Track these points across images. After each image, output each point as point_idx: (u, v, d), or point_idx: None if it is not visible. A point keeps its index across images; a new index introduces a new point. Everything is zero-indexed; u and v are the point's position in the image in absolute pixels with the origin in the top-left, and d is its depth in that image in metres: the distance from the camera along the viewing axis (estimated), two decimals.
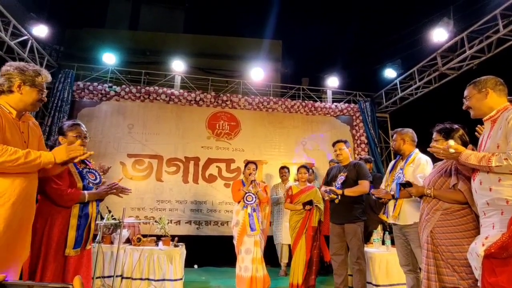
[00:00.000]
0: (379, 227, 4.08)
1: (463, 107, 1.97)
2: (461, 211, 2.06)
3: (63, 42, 7.84)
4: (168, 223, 4.38)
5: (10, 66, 1.73)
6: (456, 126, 2.36)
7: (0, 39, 4.77)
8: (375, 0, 8.62)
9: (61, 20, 7.33)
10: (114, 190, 2.50)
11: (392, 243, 3.42)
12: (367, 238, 3.99)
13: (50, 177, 2.03)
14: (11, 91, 1.69)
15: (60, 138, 2.28)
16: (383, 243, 3.92)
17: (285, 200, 4.39)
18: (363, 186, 3.27)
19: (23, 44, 5.27)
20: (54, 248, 2.02)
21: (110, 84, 6.19)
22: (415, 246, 2.61)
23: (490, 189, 1.66)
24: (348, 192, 3.24)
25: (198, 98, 6.40)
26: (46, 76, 1.82)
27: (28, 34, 5.28)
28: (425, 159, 2.75)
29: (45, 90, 1.83)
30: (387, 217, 2.87)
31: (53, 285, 0.52)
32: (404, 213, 2.68)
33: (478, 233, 1.95)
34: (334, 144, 3.57)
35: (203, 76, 7.09)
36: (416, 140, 2.91)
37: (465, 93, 1.96)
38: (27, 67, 1.75)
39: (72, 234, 2.10)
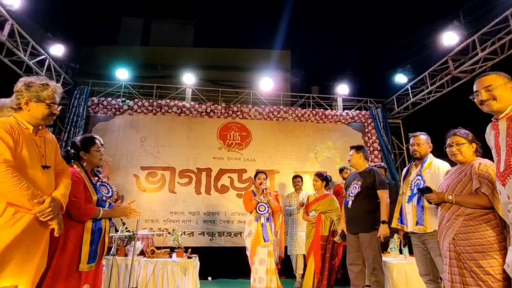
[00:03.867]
0: (395, 236, 3.97)
1: (483, 97, 1.76)
2: (485, 216, 1.97)
3: (79, 60, 8.13)
4: (182, 234, 4.39)
5: (20, 82, 1.77)
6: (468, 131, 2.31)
7: (19, 59, 4.98)
8: (383, 6, 8.62)
9: (76, 39, 7.62)
10: (128, 214, 2.53)
11: (410, 252, 3.32)
12: (384, 247, 3.89)
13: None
14: (20, 108, 1.75)
15: (82, 153, 2.33)
16: (401, 252, 3.81)
17: (304, 210, 4.38)
18: (385, 199, 3.14)
19: (41, 63, 5.48)
20: (67, 263, 2.01)
21: (123, 99, 6.34)
22: (435, 255, 2.51)
23: None
24: (384, 216, 3.07)
25: (209, 110, 6.48)
26: (54, 88, 1.81)
27: (45, 54, 5.50)
28: (443, 165, 2.68)
29: (55, 103, 1.82)
30: (405, 226, 2.79)
31: None
32: (425, 221, 2.59)
33: (504, 239, 1.87)
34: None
35: (214, 88, 7.19)
36: None
37: (490, 81, 1.76)
38: (34, 83, 1.77)
39: (86, 249, 2.10)
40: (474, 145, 2.24)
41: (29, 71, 5.23)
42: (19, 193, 1.57)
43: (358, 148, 3.43)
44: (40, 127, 1.83)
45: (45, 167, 1.78)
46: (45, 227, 1.72)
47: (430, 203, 2.34)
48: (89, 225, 2.16)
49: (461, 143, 2.24)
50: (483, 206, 1.98)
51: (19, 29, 4.79)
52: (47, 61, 5.60)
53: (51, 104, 1.80)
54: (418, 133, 2.87)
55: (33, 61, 5.23)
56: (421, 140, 2.80)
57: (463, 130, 2.30)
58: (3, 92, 2.07)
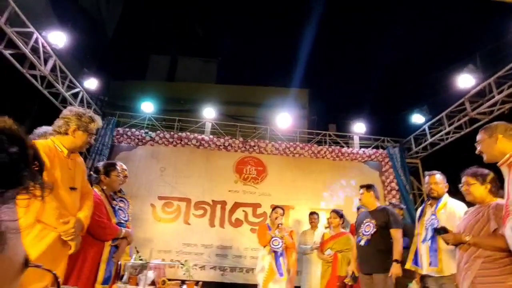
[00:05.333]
0: (414, 281, 3.77)
1: (476, 152, 2.00)
2: (505, 259, 1.91)
3: (108, 93, 8.68)
4: (193, 266, 4.36)
5: (70, 111, 1.99)
6: (487, 171, 2.30)
7: (57, 91, 5.44)
8: (400, 47, 8.89)
9: (108, 73, 8.22)
10: None
11: None
12: None
13: (92, 211, 2.20)
14: (66, 134, 1.94)
15: (103, 177, 2.50)
16: None
17: (319, 248, 4.28)
18: (398, 238, 3.08)
19: (75, 95, 5.94)
20: (83, 282, 2.08)
21: (146, 130, 6.65)
22: None
23: None
24: (397, 256, 2.99)
25: (226, 144, 6.66)
26: (98, 123, 2.08)
27: (80, 87, 5.97)
28: (459, 205, 2.64)
29: (94, 135, 2.07)
30: (420, 268, 2.70)
31: None
32: (440, 262, 2.52)
33: None
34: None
35: (232, 122, 7.43)
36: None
37: (477, 138, 2.01)
38: (84, 113, 2.00)
39: (103, 267, 2.19)
40: (488, 185, 2.21)
41: (64, 102, 5.66)
42: (48, 212, 1.70)
43: (368, 187, 3.44)
44: (73, 151, 2.01)
45: (72, 188, 1.93)
46: (66, 246, 1.82)
47: (447, 243, 2.29)
48: (107, 247, 2.25)
49: (471, 184, 2.25)
50: (501, 248, 1.92)
51: (60, 65, 5.28)
52: (81, 93, 6.06)
53: (92, 135, 2.03)
54: (434, 171, 2.87)
55: (68, 93, 5.68)
56: (438, 179, 2.79)
57: (475, 170, 2.29)
58: (40, 119, 2.31)
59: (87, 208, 2.01)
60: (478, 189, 2.22)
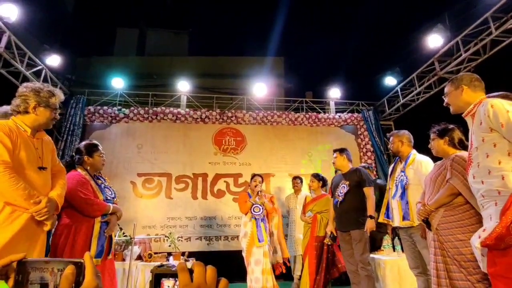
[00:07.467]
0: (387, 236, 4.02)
1: (444, 104, 2.05)
2: (464, 206, 2.07)
3: (75, 71, 8.24)
4: (179, 239, 4.45)
5: (26, 87, 1.87)
6: (451, 126, 2.41)
7: (16, 70, 5.08)
8: (372, 13, 8.85)
9: (72, 50, 7.74)
10: None
11: (403, 248, 3.40)
12: (377, 245, 3.97)
13: (77, 188, 2.20)
14: (27, 112, 1.84)
15: (86, 157, 2.45)
16: (394, 249, 3.89)
17: (302, 211, 4.45)
18: (371, 195, 3.29)
19: (37, 73, 5.57)
20: (78, 256, 2.10)
21: (119, 107, 6.42)
22: (422, 247, 2.60)
23: (483, 182, 1.68)
24: (371, 212, 3.19)
25: (204, 116, 6.58)
26: (59, 96, 1.97)
27: (42, 64, 5.60)
28: (426, 160, 2.79)
29: (58, 109, 1.97)
30: (391, 221, 2.88)
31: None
32: (411, 215, 2.69)
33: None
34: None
35: (208, 94, 7.30)
36: (413, 141, 2.96)
37: (445, 90, 2.05)
38: (41, 88, 1.89)
39: (95, 242, 2.22)
40: (446, 138, 2.34)
41: (25, 81, 5.31)
42: (16, 193, 1.65)
43: (341, 151, 3.58)
44: (38, 130, 1.92)
45: (41, 168, 1.87)
46: (41, 226, 1.79)
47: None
48: (97, 221, 2.28)
49: (433, 139, 2.41)
50: (455, 193, 2.08)
51: (16, 41, 4.89)
52: (44, 71, 5.68)
53: (55, 110, 1.94)
54: (395, 131, 3.07)
55: (29, 71, 5.32)
56: (392, 138, 2.99)
57: (437, 126, 2.43)
58: (2, 102, 2.18)
59: (59, 186, 1.97)
60: (438, 143, 2.37)
